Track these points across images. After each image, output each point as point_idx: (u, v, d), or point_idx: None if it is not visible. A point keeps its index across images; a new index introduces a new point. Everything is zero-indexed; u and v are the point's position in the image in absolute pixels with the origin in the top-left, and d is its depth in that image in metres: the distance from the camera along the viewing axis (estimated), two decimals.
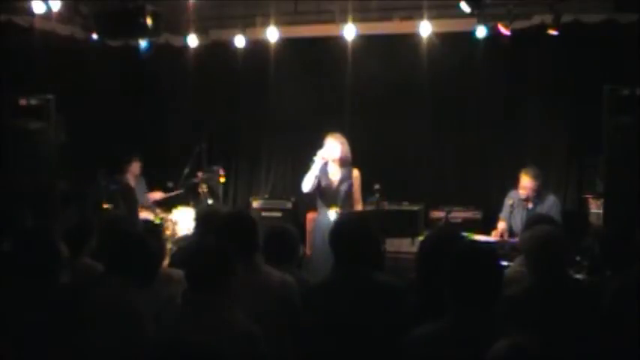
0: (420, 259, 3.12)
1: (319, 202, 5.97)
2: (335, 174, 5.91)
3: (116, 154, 7.61)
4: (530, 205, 6.06)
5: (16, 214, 4.68)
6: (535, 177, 6.02)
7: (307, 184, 5.85)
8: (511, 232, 6.10)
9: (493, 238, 6.03)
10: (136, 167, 7.69)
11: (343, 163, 5.90)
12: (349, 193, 5.90)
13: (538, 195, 6.05)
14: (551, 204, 6.03)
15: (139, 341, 2.78)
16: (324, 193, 5.89)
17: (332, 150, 5.85)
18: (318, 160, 5.81)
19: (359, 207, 5.98)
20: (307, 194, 6.01)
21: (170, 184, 7.60)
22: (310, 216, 7.52)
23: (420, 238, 5.11)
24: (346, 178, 5.90)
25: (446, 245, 2.82)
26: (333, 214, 5.77)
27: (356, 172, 5.95)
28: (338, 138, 5.90)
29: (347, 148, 5.91)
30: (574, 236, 5.07)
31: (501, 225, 6.17)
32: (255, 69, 7.99)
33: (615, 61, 6.53)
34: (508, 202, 6.18)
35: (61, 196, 6.23)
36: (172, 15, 7.28)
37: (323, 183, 5.87)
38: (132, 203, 6.61)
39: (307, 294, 3.37)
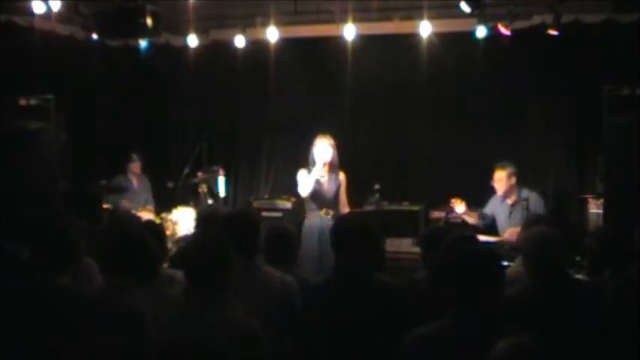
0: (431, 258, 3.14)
1: (309, 205, 6.02)
2: (323, 176, 5.94)
3: (115, 155, 7.59)
4: (511, 202, 6.17)
5: (15, 214, 4.68)
6: (502, 168, 6.18)
7: (307, 188, 5.88)
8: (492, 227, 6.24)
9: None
10: (135, 167, 7.69)
11: (332, 166, 5.95)
12: (338, 195, 5.98)
13: (513, 190, 6.19)
14: (533, 200, 6.07)
15: (140, 341, 2.78)
16: (315, 196, 5.94)
17: (326, 152, 5.90)
18: (319, 164, 5.84)
19: (346, 209, 6.06)
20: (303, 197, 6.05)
21: (170, 184, 7.59)
22: None
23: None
24: (335, 180, 5.97)
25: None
26: (324, 216, 5.86)
27: (342, 175, 6.04)
28: (329, 139, 5.96)
29: (335, 151, 5.97)
30: (574, 236, 5.06)
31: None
32: (255, 69, 7.98)
33: (615, 61, 6.51)
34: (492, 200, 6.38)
35: (61, 196, 6.22)
36: (172, 15, 7.28)
37: (314, 186, 5.90)
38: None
39: (307, 294, 3.37)
